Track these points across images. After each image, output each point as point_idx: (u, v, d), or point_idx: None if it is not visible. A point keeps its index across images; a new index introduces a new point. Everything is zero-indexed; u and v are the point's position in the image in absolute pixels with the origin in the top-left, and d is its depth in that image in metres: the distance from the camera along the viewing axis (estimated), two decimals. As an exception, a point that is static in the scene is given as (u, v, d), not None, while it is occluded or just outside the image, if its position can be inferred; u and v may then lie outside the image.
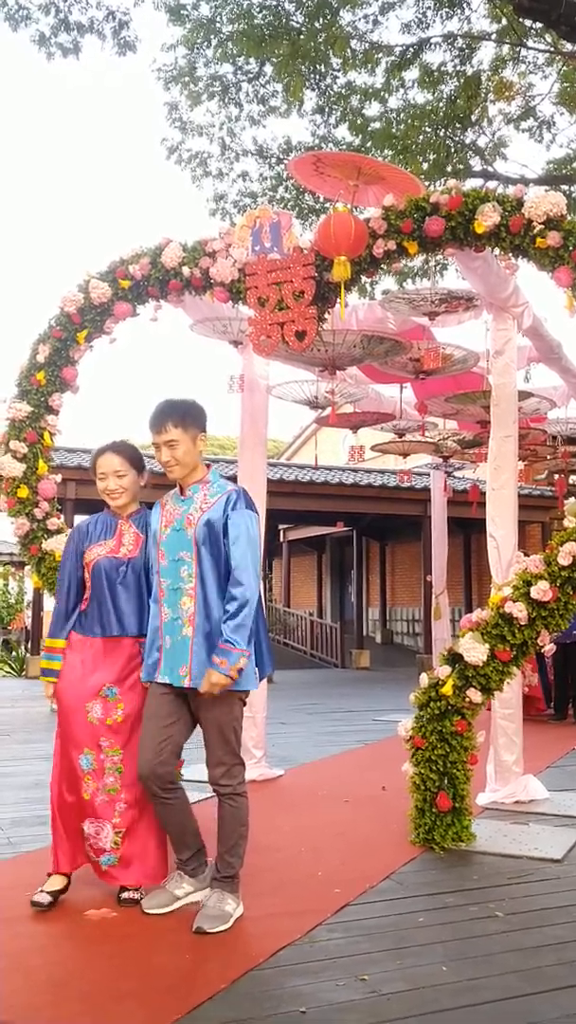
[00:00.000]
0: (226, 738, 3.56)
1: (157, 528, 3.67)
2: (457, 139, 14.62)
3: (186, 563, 3.54)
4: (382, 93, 14.20)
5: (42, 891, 3.65)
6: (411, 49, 13.53)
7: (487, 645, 4.52)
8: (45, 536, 5.30)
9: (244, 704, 3.65)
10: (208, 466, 3.73)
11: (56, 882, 3.70)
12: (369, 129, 14.02)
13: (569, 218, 4.55)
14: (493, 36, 14.42)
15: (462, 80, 13.99)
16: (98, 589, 3.78)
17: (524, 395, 7.41)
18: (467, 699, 4.52)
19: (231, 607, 3.45)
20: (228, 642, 3.41)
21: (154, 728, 3.56)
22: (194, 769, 6.14)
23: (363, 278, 5.35)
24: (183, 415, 3.62)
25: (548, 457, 10.82)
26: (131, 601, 3.77)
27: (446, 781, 4.55)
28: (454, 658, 4.59)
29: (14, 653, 19.42)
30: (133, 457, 3.91)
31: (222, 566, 3.52)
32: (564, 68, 14.35)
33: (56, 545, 5.18)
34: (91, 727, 3.69)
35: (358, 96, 14.23)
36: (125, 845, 3.69)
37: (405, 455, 10.16)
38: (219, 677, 3.40)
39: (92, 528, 3.90)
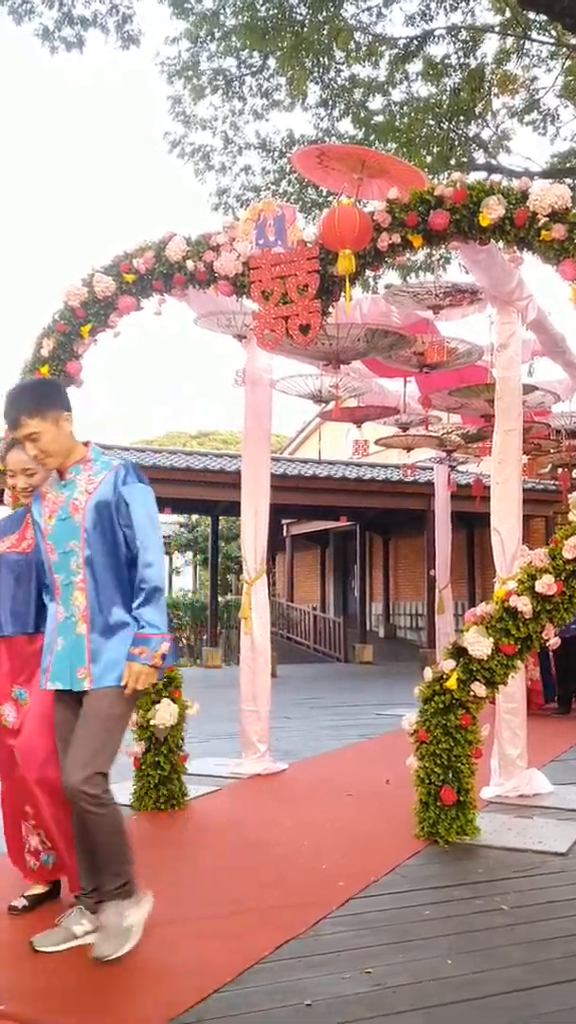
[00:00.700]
0: (99, 736, 3.09)
1: (41, 521, 3.31)
2: (461, 132, 14.58)
3: (75, 553, 3.20)
4: (385, 86, 14.19)
5: (22, 895, 3.55)
6: (415, 42, 13.51)
7: (491, 639, 4.52)
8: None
9: (133, 707, 3.27)
10: (87, 444, 3.35)
11: (38, 886, 3.59)
12: (372, 122, 14.00)
13: (574, 211, 4.53)
14: (497, 29, 14.38)
15: (466, 73, 13.98)
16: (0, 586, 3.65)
17: (528, 389, 7.40)
18: (471, 693, 4.52)
19: (144, 590, 3.14)
20: (144, 628, 3.12)
21: (68, 741, 3.16)
22: (199, 763, 6.16)
23: (367, 272, 5.34)
24: (37, 402, 3.22)
25: (552, 451, 10.82)
26: (26, 598, 3.57)
27: (450, 775, 4.55)
28: (458, 652, 4.59)
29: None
30: None
31: (119, 552, 3.20)
32: (568, 62, 14.30)
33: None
34: (4, 730, 3.57)
35: (361, 89, 14.22)
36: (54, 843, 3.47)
37: (409, 449, 10.16)
38: (140, 667, 3.09)
39: (5, 523, 3.77)
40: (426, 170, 11.49)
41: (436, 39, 13.75)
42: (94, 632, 3.16)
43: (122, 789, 5.43)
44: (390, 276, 13.62)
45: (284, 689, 12.00)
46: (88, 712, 3.12)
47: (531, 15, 13.44)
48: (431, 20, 13.54)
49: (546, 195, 4.53)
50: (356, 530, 21.78)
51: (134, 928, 3.10)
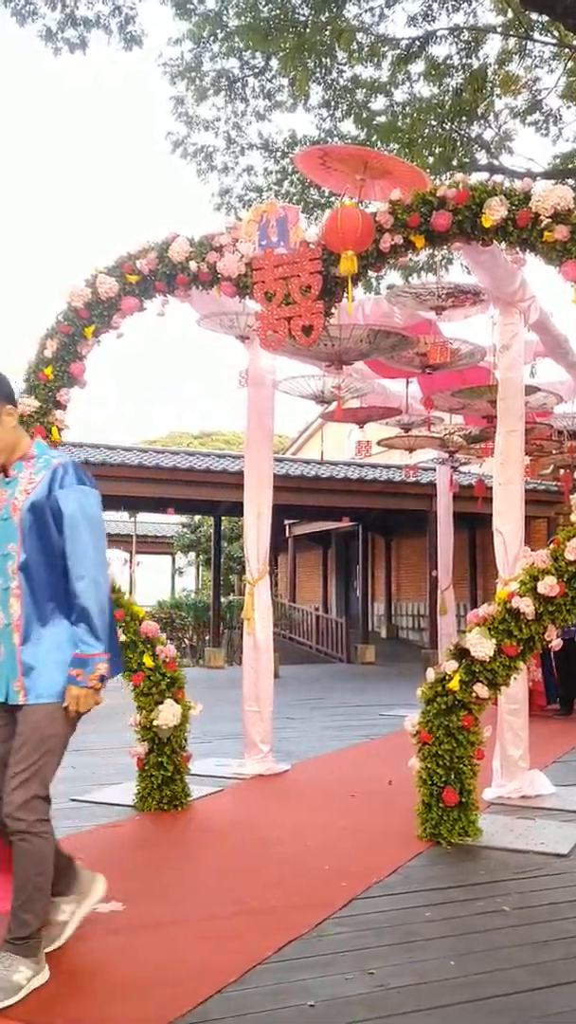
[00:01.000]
0: (34, 756, 2.92)
1: None
2: (463, 133, 14.56)
3: (12, 557, 3.02)
4: (388, 87, 14.18)
5: None
6: (417, 42, 13.49)
7: (494, 640, 4.52)
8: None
9: (74, 727, 3.06)
10: (34, 437, 3.24)
11: None
12: (374, 123, 13.98)
13: (577, 212, 4.53)
14: (499, 29, 14.38)
15: (468, 73, 13.95)
16: None
17: (531, 390, 7.40)
18: (474, 694, 4.52)
19: (76, 606, 2.97)
20: (80, 647, 2.95)
21: (5, 756, 3.01)
22: (202, 763, 6.16)
23: (369, 272, 5.34)
24: None
25: (554, 452, 10.82)
26: None
27: (453, 776, 4.55)
28: (461, 653, 4.59)
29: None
30: None
31: (56, 557, 3.01)
32: (571, 63, 14.29)
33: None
34: None
35: (364, 90, 14.20)
36: None
37: (411, 450, 10.15)
38: (79, 690, 2.93)
39: None
40: (428, 171, 11.49)
41: (438, 40, 13.74)
42: (27, 644, 3.00)
43: (125, 789, 5.45)
44: (392, 277, 13.63)
45: (286, 690, 12.00)
46: (24, 730, 2.96)
47: (533, 16, 13.42)
48: (433, 21, 13.53)
49: (549, 196, 4.53)
50: (358, 531, 21.77)
51: (22, 988, 2.79)
